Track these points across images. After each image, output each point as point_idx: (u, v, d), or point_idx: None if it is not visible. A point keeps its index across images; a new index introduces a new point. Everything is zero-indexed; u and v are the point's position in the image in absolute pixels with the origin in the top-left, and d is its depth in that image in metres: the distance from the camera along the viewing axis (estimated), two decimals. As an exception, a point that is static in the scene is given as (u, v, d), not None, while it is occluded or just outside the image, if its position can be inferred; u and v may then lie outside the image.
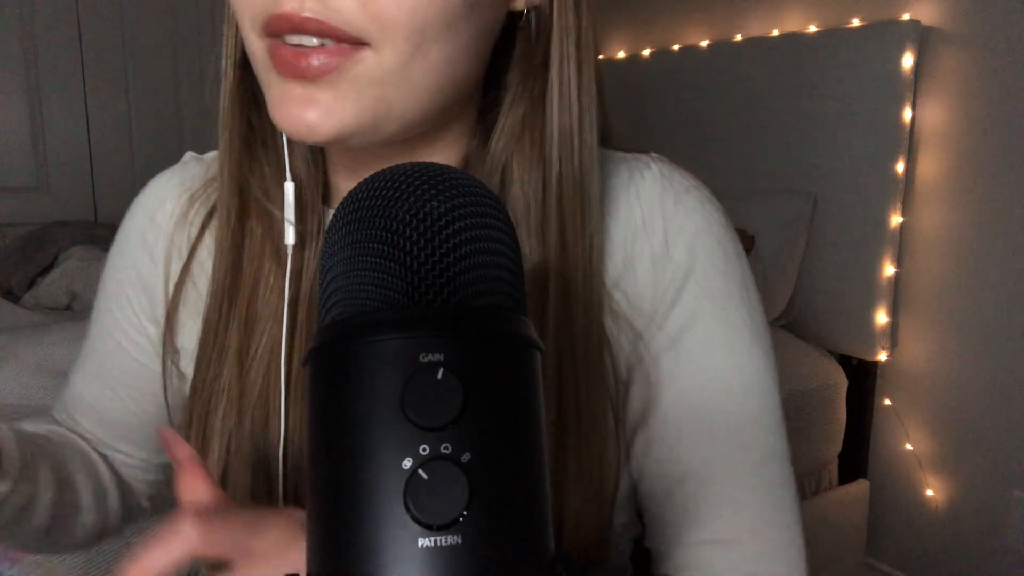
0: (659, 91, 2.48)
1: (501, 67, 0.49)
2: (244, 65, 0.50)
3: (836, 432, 1.97)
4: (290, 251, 0.52)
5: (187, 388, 0.57)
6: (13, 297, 2.18)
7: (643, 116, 2.54)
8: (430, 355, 0.24)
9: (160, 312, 0.59)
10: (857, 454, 2.02)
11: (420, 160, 0.44)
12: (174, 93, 2.78)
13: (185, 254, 0.58)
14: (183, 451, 0.45)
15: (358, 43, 0.41)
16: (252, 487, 0.52)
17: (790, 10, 2.16)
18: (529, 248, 0.48)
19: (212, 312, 0.54)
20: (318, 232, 0.53)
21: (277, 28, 0.41)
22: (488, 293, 0.27)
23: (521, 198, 0.48)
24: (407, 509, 0.22)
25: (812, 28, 2.05)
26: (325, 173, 0.54)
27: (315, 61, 0.41)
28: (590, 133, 0.49)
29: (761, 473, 0.51)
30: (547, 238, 0.48)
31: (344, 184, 0.54)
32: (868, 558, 2.07)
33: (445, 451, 0.23)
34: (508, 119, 0.49)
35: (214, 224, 0.56)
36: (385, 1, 0.39)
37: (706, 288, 0.50)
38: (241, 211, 0.53)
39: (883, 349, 1.93)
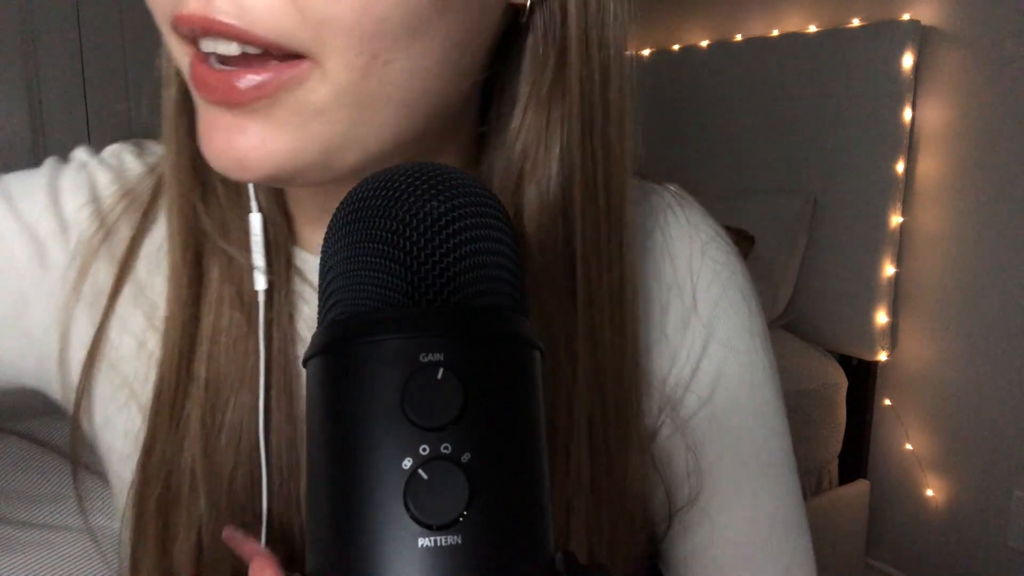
0: (659, 91, 2.48)
1: (511, 71, 0.41)
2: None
3: (836, 432, 1.97)
4: (261, 297, 0.42)
5: (117, 472, 0.47)
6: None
7: (643, 116, 2.53)
8: (430, 355, 0.24)
9: (55, 380, 0.47)
10: (857, 454, 2.02)
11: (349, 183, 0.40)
12: (174, 93, 2.78)
13: (99, 307, 0.45)
14: (251, 547, 0.40)
15: (293, 56, 0.32)
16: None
17: (790, 10, 2.16)
18: (547, 301, 0.41)
19: (165, 378, 0.43)
20: (287, 276, 0.44)
21: (185, 32, 0.32)
22: (488, 293, 0.27)
23: (537, 232, 0.41)
24: (407, 509, 0.22)
25: (812, 28, 2.05)
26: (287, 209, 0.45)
27: (241, 83, 0.32)
28: (622, 153, 0.42)
29: (786, 520, 0.51)
30: (568, 286, 0.41)
31: (304, 217, 0.45)
32: (868, 558, 2.07)
33: (445, 451, 0.23)
34: (518, 139, 0.41)
35: (141, 263, 0.46)
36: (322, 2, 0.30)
37: (733, 347, 0.49)
38: (194, 248, 0.43)
39: (883, 349, 1.93)
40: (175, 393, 0.43)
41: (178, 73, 0.40)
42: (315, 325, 0.43)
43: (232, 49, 0.32)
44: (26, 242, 0.46)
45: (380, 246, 0.26)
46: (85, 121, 2.69)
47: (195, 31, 0.31)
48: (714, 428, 0.49)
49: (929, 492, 1.94)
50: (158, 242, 0.46)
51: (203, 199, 0.43)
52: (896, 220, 1.88)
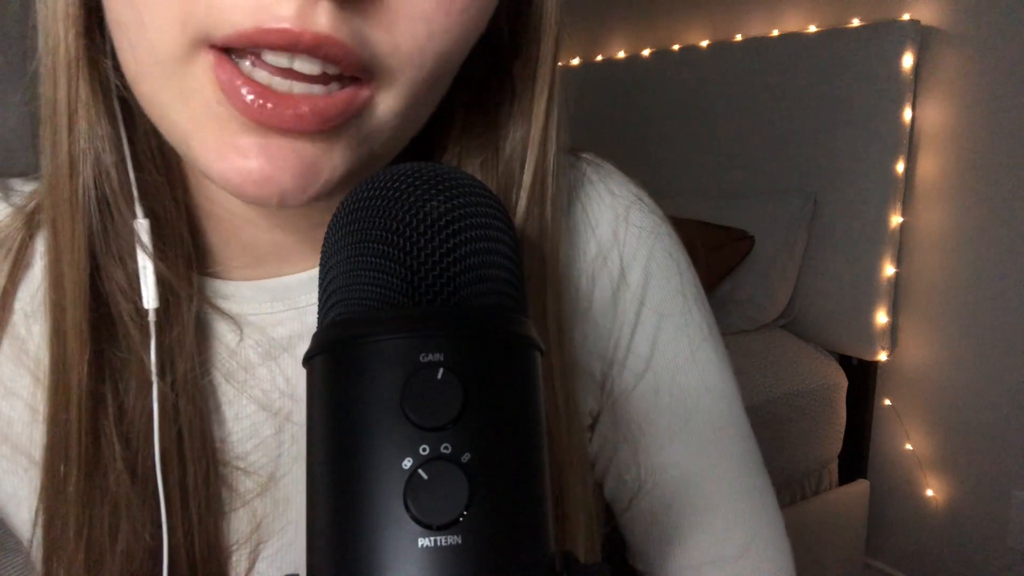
0: (659, 91, 2.48)
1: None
2: (88, 49, 0.35)
3: (836, 432, 1.97)
4: (152, 318, 0.38)
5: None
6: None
7: (643, 116, 2.53)
8: (430, 355, 0.24)
9: None
10: (857, 454, 2.02)
11: (334, 198, 0.37)
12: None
13: None
14: None
15: (364, 80, 0.30)
16: None
17: (790, 10, 2.16)
18: None
19: (59, 411, 0.39)
20: (197, 302, 0.41)
21: (263, 44, 0.28)
22: (488, 293, 0.27)
23: None
24: (407, 509, 0.22)
25: (812, 28, 2.05)
26: (190, 214, 0.41)
27: (304, 108, 0.29)
28: (554, 153, 0.42)
29: (745, 483, 0.50)
30: None
31: (227, 245, 0.42)
32: (868, 558, 2.07)
33: (445, 451, 0.23)
34: (459, 145, 0.41)
35: (18, 316, 0.42)
36: (418, 30, 0.30)
37: (665, 311, 0.48)
38: (87, 268, 0.38)
39: (883, 349, 1.93)
40: (79, 431, 0.39)
41: (73, 53, 0.35)
42: (235, 353, 0.43)
43: (313, 69, 0.29)
44: None
45: (380, 246, 0.26)
46: (85, 121, 2.69)
47: (295, 47, 0.28)
48: (656, 397, 0.48)
49: (929, 492, 1.94)
50: (34, 288, 0.42)
51: (97, 205, 0.38)
52: (896, 220, 1.88)
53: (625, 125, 2.61)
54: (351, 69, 0.29)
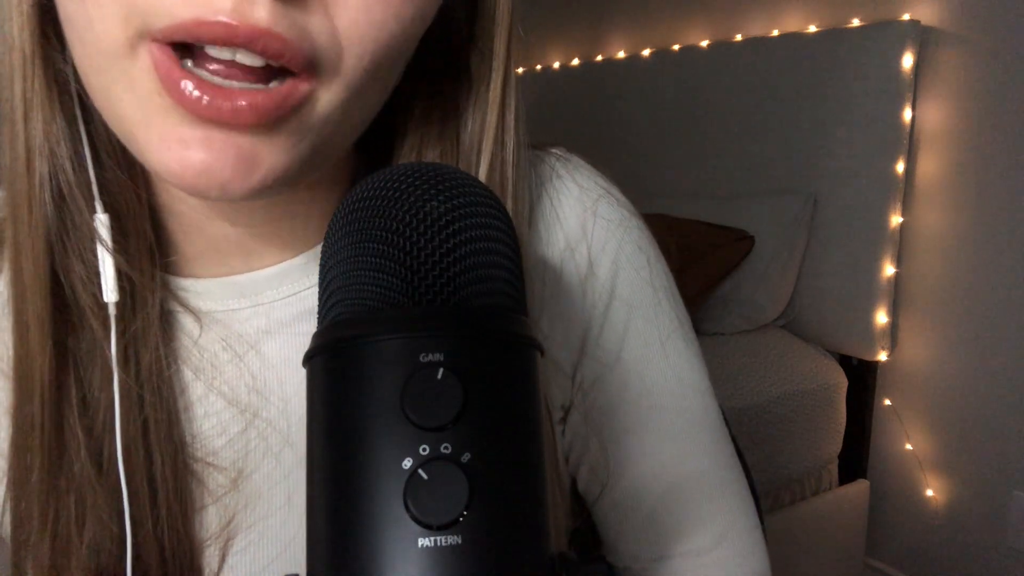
0: (659, 91, 2.48)
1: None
2: (42, 44, 0.35)
3: (836, 432, 1.97)
4: (112, 310, 0.39)
5: None
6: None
7: (643, 116, 2.53)
8: (430, 355, 0.24)
9: None
10: (857, 454, 2.02)
11: (300, 201, 0.41)
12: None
13: None
14: None
15: (305, 74, 0.30)
16: None
17: (790, 10, 2.16)
18: None
19: (23, 400, 0.39)
20: (159, 294, 0.41)
21: (201, 37, 0.28)
22: (488, 293, 0.27)
23: None
24: (407, 509, 0.22)
25: (812, 28, 2.05)
26: (151, 208, 0.41)
27: (242, 102, 0.29)
28: (513, 144, 0.42)
29: (717, 476, 0.50)
30: None
31: (191, 241, 0.42)
32: (868, 558, 2.07)
33: (445, 451, 0.23)
34: (417, 144, 0.42)
35: None
36: (359, 21, 0.30)
37: (634, 302, 0.48)
38: (46, 261, 0.38)
39: (883, 349, 1.93)
40: (44, 430, 0.39)
41: (29, 36, 0.35)
42: (201, 348, 0.43)
43: (255, 61, 0.29)
44: None
45: (380, 246, 0.26)
46: (85, 121, 2.69)
47: (233, 40, 0.28)
48: (625, 388, 0.48)
49: (929, 492, 1.94)
50: (1, 286, 0.43)
51: (59, 196, 0.38)
52: (896, 220, 1.88)
53: (625, 125, 2.61)
54: (292, 63, 0.29)
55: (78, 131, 0.38)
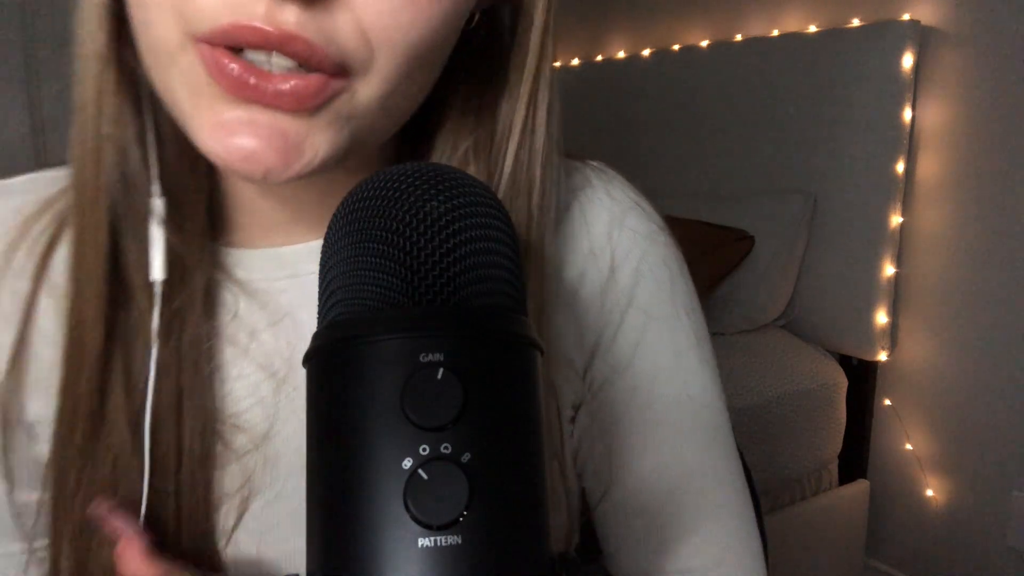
0: (659, 91, 2.48)
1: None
2: (115, 45, 0.39)
3: (836, 432, 1.97)
4: (158, 288, 0.42)
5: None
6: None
7: (643, 116, 2.53)
8: (430, 355, 0.24)
9: None
10: (857, 454, 2.02)
11: (345, 181, 0.41)
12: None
13: (16, 320, 0.45)
14: (119, 523, 0.41)
15: (339, 73, 0.33)
16: None
17: (790, 10, 2.16)
18: None
19: (72, 370, 0.42)
20: (206, 268, 0.44)
21: (237, 40, 0.31)
22: (488, 293, 0.27)
23: None
24: (407, 509, 0.22)
25: (812, 28, 2.05)
26: (211, 192, 0.45)
27: (284, 86, 0.31)
28: (543, 141, 0.43)
29: (721, 496, 0.50)
30: None
31: (244, 208, 0.45)
32: (868, 558, 2.07)
33: (445, 451, 0.23)
34: (449, 137, 0.44)
35: (52, 277, 0.45)
36: (386, 24, 0.32)
37: (652, 313, 0.49)
38: (110, 238, 0.42)
39: (883, 349, 1.93)
40: (91, 396, 0.42)
41: (102, 49, 0.39)
42: (240, 318, 0.46)
43: (285, 64, 0.32)
44: None
45: (380, 246, 0.26)
46: (85, 121, 2.69)
47: (268, 43, 0.31)
48: (633, 395, 0.49)
49: (929, 492, 1.94)
50: (60, 263, 0.45)
51: (123, 186, 0.41)
52: (896, 220, 1.88)
53: (625, 125, 2.61)
54: (320, 65, 0.32)
55: (144, 122, 0.41)
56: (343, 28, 0.32)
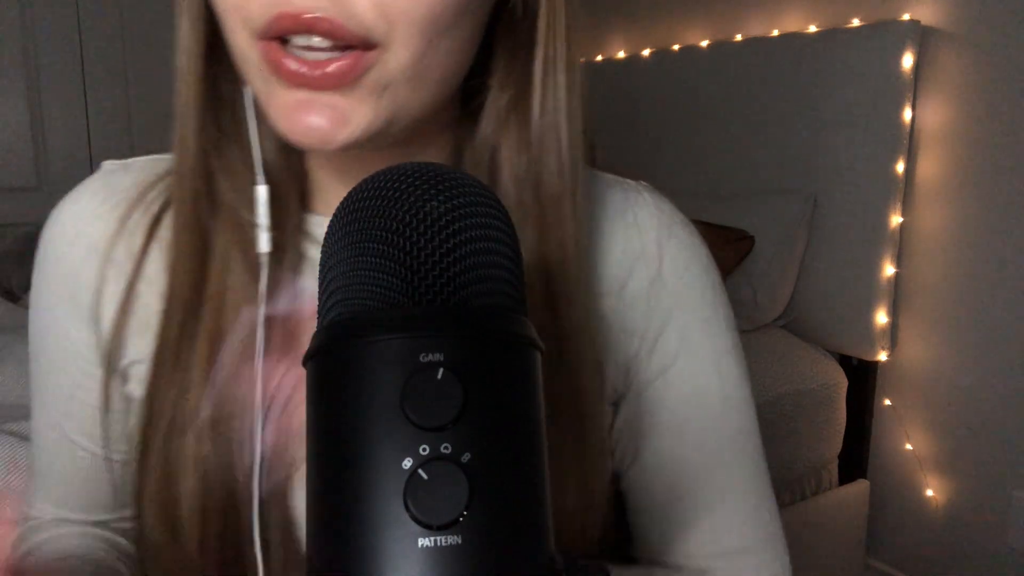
0: (659, 91, 2.48)
1: (481, 51, 0.47)
2: (208, 58, 0.46)
3: (836, 432, 1.97)
4: (264, 260, 0.47)
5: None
6: (13, 297, 2.18)
7: (643, 116, 2.53)
8: (430, 355, 0.24)
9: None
10: (857, 454, 2.02)
11: (411, 154, 0.48)
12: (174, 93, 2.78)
13: (128, 270, 0.51)
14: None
15: (367, 46, 0.38)
16: (224, 524, 0.48)
17: (790, 10, 2.16)
18: (522, 234, 0.47)
19: (170, 328, 0.48)
20: (297, 240, 0.49)
21: (282, 29, 0.38)
22: (488, 293, 0.27)
23: (512, 183, 0.47)
24: (407, 509, 0.22)
25: (812, 28, 2.05)
26: (304, 174, 0.51)
27: (331, 69, 0.38)
28: (576, 118, 0.47)
29: (752, 487, 0.54)
30: (533, 221, 0.47)
31: (329, 184, 0.51)
32: (868, 558, 2.07)
33: (445, 451, 0.23)
34: (495, 104, 0.48)
35: (161, 234, 0.51)
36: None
37: (695, 317, 0.53)
38: (205, 216, 0.48)
39: (883, 349, 1.93)
40: (179, 342, 0.48)
41: (197, 59, 0.46)
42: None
43: (323, 43, 0.38)
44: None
45: (380, 246, 0.26)
46: (85, 121, 2.69)
47: (301, 26, 0.37)
48: (674, 392, 0.53)
49: (929, 492, 1.94)
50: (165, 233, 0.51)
51: (221, 171, 0.48)
52: (896, 220, 1.88)
53: (625, 125, 2.61)
54: (348, 39, 0.38)
55: (243, 118, 0.48)
56: (360, 5, 0.37)
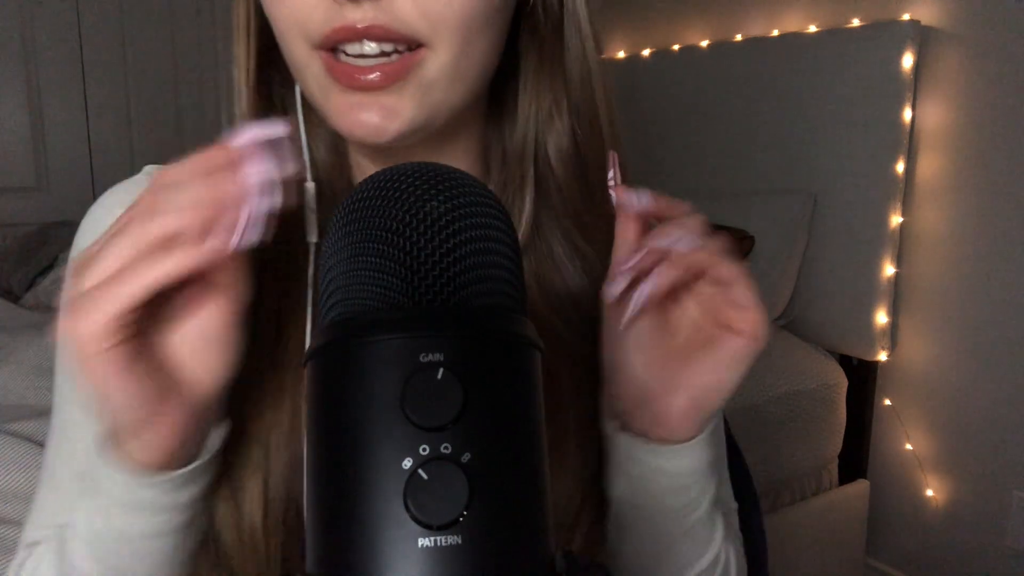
0: (659, 91, 2.48)
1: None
2: (259, 68, 0.51)
3: (836, 432, 1.97)
4: (312, 248, 0.50)
5: None
6: (13, 297, 2.18)
7: (643, 116, 2.53)
8: (430, 355, 0.24)
9: None
10: (857, 454, 2.02)
11: (444, 150, 0.53)
12: (174, 93, 2.78)
13: None
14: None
15: (415, 45, 0.43)
16: (294, 527, 0.48)
17: (790, 10, 2.16)
18: (575, 214, 0.53)
19: None
20: None
21: (340, 39, 0.43)
22: (488, 293, 0.27)
23: (561, 170, 0.53)
24: (407, 509, 0.22)
25: (812, 28, 2.05)
26: (349, 169, 0.55)
27: (379, 72, 0.43)
28: (611, 102, 0.54)
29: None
30: (583, 203, 0.53)
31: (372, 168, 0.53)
32: (868, 558, 2.07)
33: (445, 451, 0.23)
34: (533, 101, 0.53)
35: None
36: (438, 2, 0.42)
37: None
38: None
39: (883, 349, 1.93)
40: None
41: (251, 72, 0.51)
42: None
43: (374, 50, 0.43)
44: None
45: (380, 246, 0.26)
46: (85, 121, 2.69)
47: (357, 35, 0.42)
48: None
49: (929, 492, 1.94)
50: None
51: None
52: (896, 220, 1.88)
53: (625, 125, 2.60)
54: (397, 42, 0.43)
55: (295, 121, 0.52)
56: (404, 9, 0.42)
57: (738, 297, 0.44)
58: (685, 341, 0.47)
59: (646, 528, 0.50)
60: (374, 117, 0.44)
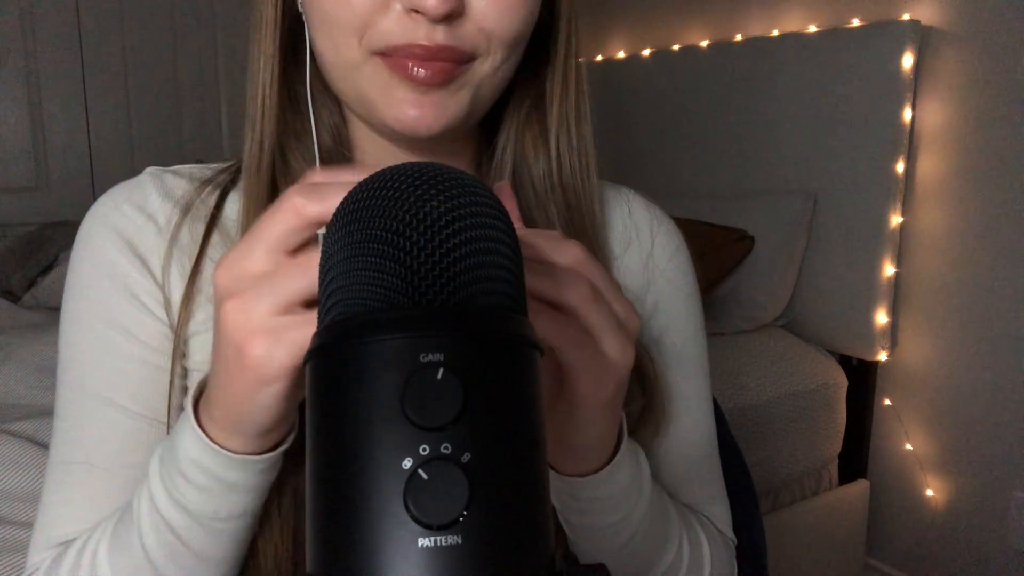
0: (659, 91, 2.48)
1: None
2: (282, 70, 0.54)
3: (836, 432, 1.97)
4: (320, 240, 0.51)
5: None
6: (13, 297, 2.18)
7: (643, 116, 2.53)
8: (430, 355, 0.24)
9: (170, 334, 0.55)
10: (857, 454, 2.02)
11: (449, 146, 0.57)
12: (174, 93, 2.78)
13: (188, 264, 0.54)
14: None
15: (468, 60, 0.48)
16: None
17: (790, 10, 2.16)
18: (546, 220, 0.57)
19: None
20: None
21: (412, 56, 0.46)
22: (488, 293, 0.27)
23: (540, 175, 0.57)
24: (407, 509, 0.22)
25: (812, 28, 2.05)
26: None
27: (437, 73, 0.48)
28: (586, 117, 0.57)
29: (713, 444, 0.65)
30: (557, 208, 0.57)
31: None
32: (868, 558, 2.07)
33: (445, 451, 0.23)
34: (516, 110, 0.58)
35: (221, 223, 0.56)
36: (498, 23, 0.48)
37: (682, 294, 0.63)
38: (268, 200, 0.53)
39: (883, 349, 1.93)
40: None
41: (275, 73, 0.53)
42: None
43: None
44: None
45: (380, 246, 0.26)
46: (85, 121, 2.69)
47: (429, 55, 0.46)
48: (664, 360, 0.62)
49: (929, 492, 1.94)
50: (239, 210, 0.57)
51: (283, 167, 0.54)
52: (896, 220, 1.88)
53: (625, 125, 2.61)
54: (460, 59, 0.48)
55: (303, 121, 0.56)
56: (470, 31, 0.47)
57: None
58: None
59: (587, 545, 0.51)
60: (426, 112, 0.48)
